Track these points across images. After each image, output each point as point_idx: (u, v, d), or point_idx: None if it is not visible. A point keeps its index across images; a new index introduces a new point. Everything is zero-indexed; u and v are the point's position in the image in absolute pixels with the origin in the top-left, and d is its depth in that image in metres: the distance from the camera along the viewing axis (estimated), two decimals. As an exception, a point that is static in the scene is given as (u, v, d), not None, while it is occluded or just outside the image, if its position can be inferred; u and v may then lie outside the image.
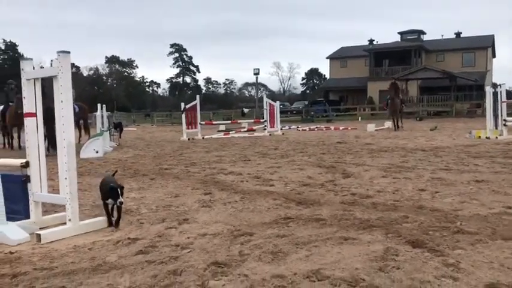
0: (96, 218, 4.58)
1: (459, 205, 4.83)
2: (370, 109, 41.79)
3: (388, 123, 21.37)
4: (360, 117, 36.02)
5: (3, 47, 72.60)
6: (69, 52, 4.12)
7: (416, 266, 3.06)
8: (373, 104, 44.31)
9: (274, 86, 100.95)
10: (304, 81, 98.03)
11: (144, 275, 3.07)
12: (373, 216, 4.43)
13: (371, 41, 55.78)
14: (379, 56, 49.78)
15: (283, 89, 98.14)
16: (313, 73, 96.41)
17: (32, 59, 4.57)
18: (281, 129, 20.53)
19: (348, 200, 5.30)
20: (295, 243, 3.65)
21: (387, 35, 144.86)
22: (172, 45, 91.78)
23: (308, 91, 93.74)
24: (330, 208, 4.89)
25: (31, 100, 4.41)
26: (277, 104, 20.07)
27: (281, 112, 38.27)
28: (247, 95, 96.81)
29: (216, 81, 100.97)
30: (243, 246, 3.63)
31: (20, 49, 73.11)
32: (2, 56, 70.67)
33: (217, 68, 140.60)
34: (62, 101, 4.10)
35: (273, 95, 78.17)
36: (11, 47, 73.24)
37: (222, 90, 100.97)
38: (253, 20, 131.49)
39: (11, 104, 13.88)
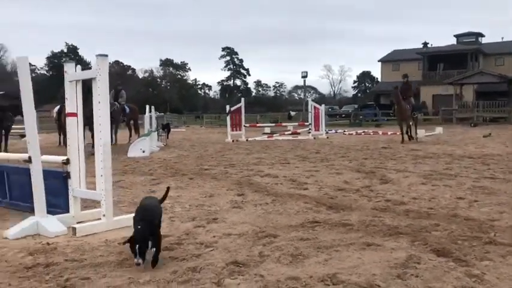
0: (130, 214, 4.77)
1: (497, 215, 4.62)
2: (423, 114, 40.46)
3: (439, 129, 20.63)
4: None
5: (65, 50, 76.60)
6: (107, 55, 4.34)
7: (436, 274, 2.98)
8: (426, 109, 42.88)
9: (325, 89, 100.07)
10: (355, 84, 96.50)
11: (164, 271, 3.19)
12: (403, 223, 4.33)
13: (425, 44, 54.00)
14: (434, 60, 48.12)
15: (334, 92, 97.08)
16: (365, 76, 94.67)
17: (73, 61, 4.84)
18: (326, 132, 20.34)
19: (380, 206, 5.21)
20: (316, 246, 3.65)
21: (442, 38, 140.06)
22: (224, 49, 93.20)
23: (359, 94, 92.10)
24: (360, 214, 4.83)
25: (73, 101, 4.67)
26: (322, 107, 19.91)
27: (329, 115, 37.98)
28: (297, 98, 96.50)
29: (266, 84, 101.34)
30: (265, 247, 3.68)
31: (81, 52, 76.86)
32: (64, 59, 74.54)
33: (267, 71, 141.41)
34: (99, 102, 4.33)
35: (322, 98, 77.50)
36: (73, 50, 77.10)
37: (271, 93, 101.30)
38: (303, 22, 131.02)
39: (66, 104, 14.65)
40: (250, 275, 3.06)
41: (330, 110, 43.74)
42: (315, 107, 19.58)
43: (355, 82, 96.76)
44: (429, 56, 48.77)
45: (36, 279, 3.07)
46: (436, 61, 47.84)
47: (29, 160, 4.29)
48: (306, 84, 65.33)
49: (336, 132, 23.82)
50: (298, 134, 19.85)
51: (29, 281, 3.03)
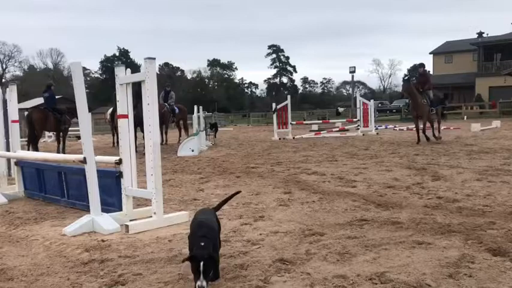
0: (179, 212, 4.90)
1: (559, 213, 4.35)
2: (479, 107, 38.68)
3: (497, 123, 19.67)
4: (465, 116, 33.54)
5: (117, 54, 79.48)
6: (154, 58, 4.47)
7: (491, 275, 2.86)
8: (482, 101, 40.95)
9: (374, 83, 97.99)
10: (406, 78, 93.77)
11: (213, 268, 3.24)
12: (455, 221, 4.18)
13: (480, 33, 51.53)
14: (490, 50, 45.83)
15: (384, 86, 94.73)
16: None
17: (124, 65, 5.03)
18: (376, 128, 19.91)
19: (432, 203, 5.04)
20: (364, 245, 3.59)
21: (498, 27, 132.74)
22: (270, 47, 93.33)
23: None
24: (410, 211, 4.70)
25: (124, 103, 4.85)
26: (371, 103, 19.50)
27: (379, 111, 37.11)
28: (345, 94, 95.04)
29: (313, 81, 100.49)
30: (311, 245, 3.67)
31: (132, 55, 79.47)
32: (116, 62, 77.42)
33: (314, 67, 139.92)
34: (148, 104, 4.46)
35: (372, 93, 75.89)
36: (124, 53, 79.86)
37: (319, 90, 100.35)
38: (350, 17, 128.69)
39: (119, 106, 15.23)
40: (297, 273, 3.06)
41: (379, 105, 42.71)
42: (363, 103, 19.22)
43: (405, 76, 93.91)
44: (485, 46, 46.49)
45: (92, 274, 3.22)
46: (493, 51, 45.55)
47: (84, 161, 4.50)
48: (354, 80, 64.17)
49: (386, 127, 23.25)
50: (347, 130, 19.56)
51: (86, 276, 3.19)
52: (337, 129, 20.04)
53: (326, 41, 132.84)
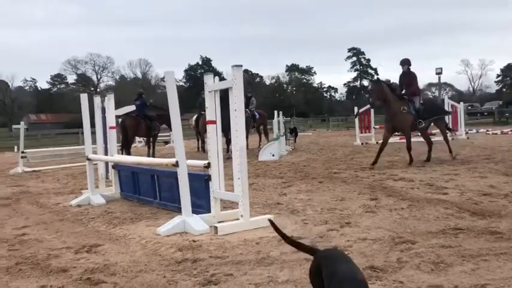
0: (265, 215, 4.97)
1: None
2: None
3: None
4: None
5: (200, 62, 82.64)
6: (241, 66, 4.60)
7: None
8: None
9: (462, 85, 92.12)
10: (499, 78, 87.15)
11: (301, 272, 3.26)
12: None
13: None
14: None
15: (473, 88, 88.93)
16: (510, 69, 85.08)
17: (212, 73, 5.22)
18: (466, 132, 18.74)
19: (535, 213, 4.65)
20: (461, 255, 3.40)
21: None
22: (349, 50, 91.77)
23: (505, 89, 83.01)
24: (510, 221, 4.37)
25: (212, 109, 5.04)
26: (460, 106, 18.41)
27: (469, 114, 34.85)
28: (431, 96, 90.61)
29: (396, 83, 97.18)
30: (403, 253, 3.54)
31: (214, 64, 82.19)
32: (199, 70, 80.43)
33: (396, 69, 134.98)
34: (235, 110, 4.60)
35: (460, 96, 71.55)
36: (207, 62, 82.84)
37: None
38: (435, 15, 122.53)
39: (203, 113, 15.80)
40: (389, 281, 2.98)
41: (469, 108, 40.13)
42: (452, 106, 18.19)
43: (498, 76, 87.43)
44: None
45: (185, 273, 3.37)
46: None
47: (177, 164, 4.73)
48: (441, 81, 60.94)
49: (478, 132, 21.80)
50: (433, 134, 18.62)
51: (180, 275, 3.34)
52: (423, 133, 19.13)
53: (409, 42, 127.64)
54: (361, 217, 4.92)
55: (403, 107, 9.31)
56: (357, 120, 17.70)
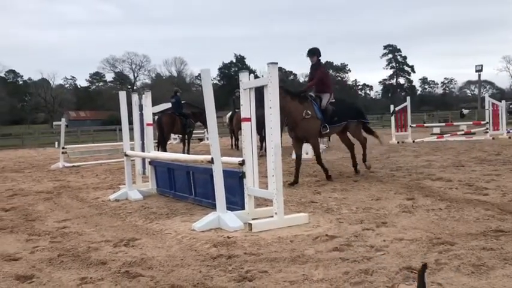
0: (299, 214, 4.96)
1: None
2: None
3: None
4: None
5: (234, 60, 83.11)
6: (276, 63, 4.59)
7: None
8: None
9: (504, 83, 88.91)
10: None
11: (336, 270, 3.23)
12: None
13: None
14: None
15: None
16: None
17: (247, 71, 5.24)
18: (508, 132, 18.06)
19: None
20: (503, 258, 3.29)
21: None
22: (385, 47, 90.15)
23: (548, 87, 79.51)
24: (557, 224, 4.19)
25: (247, 107, 5.06)
26: (502, 104, 17.77)
27: (510, 113, 33.56)
28: (469, 95, 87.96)
29: (433, 81, 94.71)
30: (441, 255, 3.46)
31: (247, 61, 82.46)
32: (233, 68, 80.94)
33: (434, 67, 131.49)
34: (270, 107, 4.60)
35: (502, 94, 68.99)
36: (240, 60, 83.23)
37: (439, 91, 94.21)
38: (476, 11, 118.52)
39: (237, 110, 15.89)
40: (427, 282, 2.91)
41: (511, 106, 38.65)
42: (493, 104, 17.59)
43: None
44: None
45: (220, 268, 3.41)
46: None
47: (212, 161, 4.78)
48: (481, 79, 58.97)
49: (520, 131, 20.96)
50: (473, 134, 18.05)
51: (215, 270, 3.38)
52: (462, 132, 18.60)
53: (448, 38, 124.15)
54: (398, 217, 4.83)
55: (305, 111, 7.39)
56: (393, 118, 17.37)
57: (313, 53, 7.85)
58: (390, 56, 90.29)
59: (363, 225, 4.53)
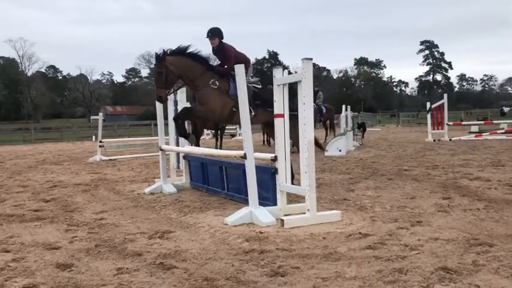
0: (332, 211, 4.93)
1: None
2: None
3: None
4: None
5: (267, 56, 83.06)
6: (311, 59, 4.56)
7: None
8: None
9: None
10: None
11: (369, 269, 3.20)
12: None
13: None
14: None
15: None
16: None
17: (281, 67, 5.23)
18: (551, 131, 17.34)
19: None
20: (545, 261, 3.17)
21: None
22: (422, 43, 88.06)
23: None
24: None
25: (280, 103, 5.05)
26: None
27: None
28: (511, 92, 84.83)
29: (472, 78, 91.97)
30: (479, 256, 3.36)
31: (280, 57, 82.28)
32: (266, 64, 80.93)
33: (473, 63, 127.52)
34: (304, 103, 4.58)
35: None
36: (273, 56, 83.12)
37: (478, 88, 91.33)
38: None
39: (269, 106, 15.91)
40: (464, 284, 2.84)
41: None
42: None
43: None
44: None
45: (253, 263, 3.43)
46: None
47: (244, 156, 4.81)
48: (523, 76, 56.58)
49: None
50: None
51: (248, 264, 3.41)
52: (503, 131, 17.96)
53: (489, 34, 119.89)
54: (433, 216, 4.73)
55: (213, 80, 6.22)
56: (429, 116, 16.98)
57: (215, 33, 6.61)
58: (427, 52, 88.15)
59: (397, 224, 4.46)
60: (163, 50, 6.23)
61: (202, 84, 6.22)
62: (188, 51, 6.30)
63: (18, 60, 76.19)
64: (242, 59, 6.49)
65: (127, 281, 3.14)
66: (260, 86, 6.73)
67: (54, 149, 20.47)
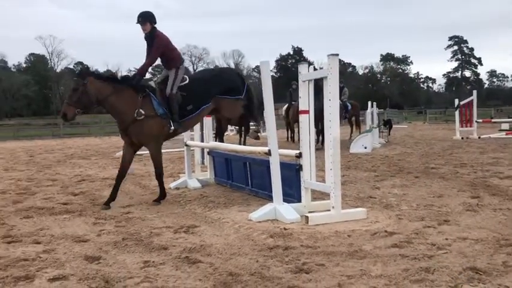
0: (357, 208, 4.89)
1: None
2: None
3: None
4: None
5: (291, 52, 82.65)
6: (337, 54, 4.52)
7: None
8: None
9: None
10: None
11: (395, 267, 3.17)
12: None
13: None
14: None
15: None
16: None
17: (307, 62, 5.20)
18: None
19: None
20: None
21: None
22: (451, 38, 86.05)
23: None
24: None
25: (305, 99, 5.03)
26: None
27: None
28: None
29: (503, 74, 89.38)
30: (510, 257, 3.29)
31: (305, 53, 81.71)
32: (290, 60, 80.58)
33: (504, 59, 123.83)
34: (329, 100, 4.55)
35: None
36: (298, 51, 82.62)
37: (509, 84, 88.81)
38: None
39: (293, 102, 15.82)
40: (493, 285, 2.79)
41: None
42: None
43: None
44: None
45: (277, 259, 3.43)
46: None
47: (269, 153, 4.81)
48: (557, 72, 54.73)
49: None
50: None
51: (272, 260, 3.41)
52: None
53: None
54: (461, 215, 4.64)
55: (137, 110, 5.62)
56: (457, 113, 16.60)
57: (145, 18, 5.88)
58: (455, 47, 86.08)
59: (424, 223, 4.39)
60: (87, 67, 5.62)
61: (129, 119, 5.65)
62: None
63: (48, 57, 78.06)
64: (175, 55, 6.06)
65: (153, 274, 3.19)
66: (187, 81, 6.05)
67: (82, 143, 20.92)
